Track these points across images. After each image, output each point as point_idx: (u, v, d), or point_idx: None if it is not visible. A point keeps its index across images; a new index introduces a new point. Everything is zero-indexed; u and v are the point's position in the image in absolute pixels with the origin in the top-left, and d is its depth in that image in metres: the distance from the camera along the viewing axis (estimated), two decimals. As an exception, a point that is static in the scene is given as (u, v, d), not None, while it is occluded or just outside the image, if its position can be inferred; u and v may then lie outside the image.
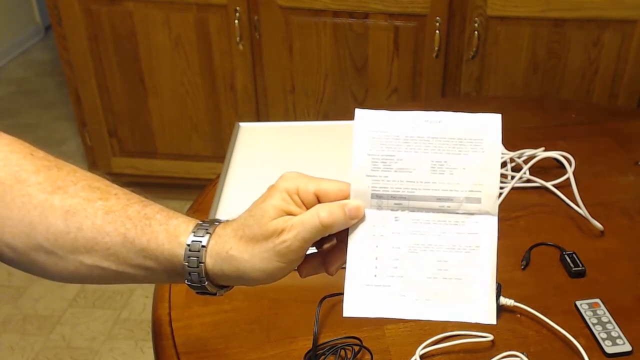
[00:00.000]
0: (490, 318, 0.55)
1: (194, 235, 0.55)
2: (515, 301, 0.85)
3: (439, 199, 0.54)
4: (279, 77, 2.02)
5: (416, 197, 0.54)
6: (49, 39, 3.79)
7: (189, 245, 0.55)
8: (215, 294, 0.59)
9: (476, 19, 1.83)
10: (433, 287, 0.54)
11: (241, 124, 1.29)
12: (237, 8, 1.92)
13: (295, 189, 0.54)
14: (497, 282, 0.87)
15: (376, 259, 0.55)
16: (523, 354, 0.79)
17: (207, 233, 0.56)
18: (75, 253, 0.56)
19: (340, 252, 0.57)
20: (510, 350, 0.80)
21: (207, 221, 0.57)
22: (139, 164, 2.27)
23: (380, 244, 0.55)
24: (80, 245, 0.56)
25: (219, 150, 2.19)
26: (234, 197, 1.07)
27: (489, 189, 0.54)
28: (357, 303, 0.55)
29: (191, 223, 0.57)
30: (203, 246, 0.55)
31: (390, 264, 0.55)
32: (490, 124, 0.54)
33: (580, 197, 1.02)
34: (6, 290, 2.01)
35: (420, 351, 0.80)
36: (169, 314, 0.88)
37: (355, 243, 0.55)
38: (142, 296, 1.99)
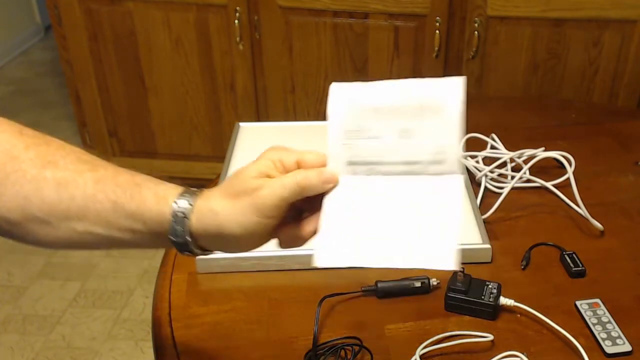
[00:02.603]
0: (450, 263, 0.55)
1: (181, 196, 0.59)
2: (515, 301, 0.85)
3: (407, 163, 0.58)
4: (279, 77, 2.02)
5: (386, 162, 0.58)
6: (49, 39, 3.79)
7: (176, 202, 0.58)
8: (196, 255, 0.61)
9: (476, 19, 1.83)
10: (401, 239, 0.57)
11: (241, 124, 1.29)
12: (237, 8, 1.92)
13: (279, 158, 0.60)
14: (497, 282, 0.87)
15: (348, 216, 0.58)
16: (523, 354, 0.79)
17: (194, 194, 0.59)
18: (67, 220, 0.59)
19: (317, 219, 0.60)
20: (510, 350, 0.80)
21: (195, 188, 0.61)
22: (139, 164, 2.27)
23: (352, 204, 0.58)
24: (73, 214, 0.58)
25: (219, 150, 2.19)
26: (234, 197, 1.07)
27: (452, 150, 0.57)
28: (327, 254, 0.58)
29: (180, 188, 0.61)
30: (190, 204, 0.58)
31: (361, 221, 0.58)
32: (451, 88, 0.56)
33: (580, 197, 1.02)
34: (6, 290, 2.01)
35: (420, 351, 0.80)
36: (169, 314, 0.88)
37: (330, 202, 0.59)
38: (142, 296, 1.99)
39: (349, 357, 0.79)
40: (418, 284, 0.89)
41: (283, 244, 0.61)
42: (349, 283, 0.92)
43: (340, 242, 0.57)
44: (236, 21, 1.93)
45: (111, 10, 1.98)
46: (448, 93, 0.56)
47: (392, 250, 0.56)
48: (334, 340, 0.82)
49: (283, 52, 1.97)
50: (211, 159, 2.21)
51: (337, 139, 0.59)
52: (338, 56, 1.95)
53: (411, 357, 0.80)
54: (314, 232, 0.60)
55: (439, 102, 0.56)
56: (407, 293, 0.89)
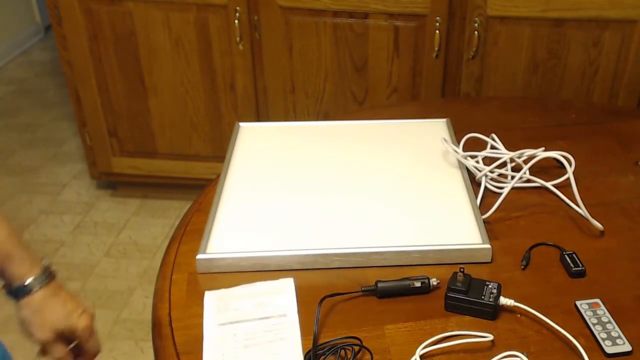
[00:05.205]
0: None
1: (35, 278, 0.84)
2: (515, 301, 0.86)
3: (261, 318, 0.86)
4: (279, 77, 2.02)
5: (247, 320, 0.86)
6: (49, 39, 3.79)
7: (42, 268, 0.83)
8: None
9: (476, 19, 1.83)
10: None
11: (241, 124, 1.29)
12: (237, 8, 1.92)
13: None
14: (497, 282, 0.87)
15: (223, 354, 0.81)
16: (523, 354, 0.79)
17: (48, 278, 0.84)
18: None
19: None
20: (510, 350, 0.80)
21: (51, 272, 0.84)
22: (139, 164, 2.27)
23: (225, 340, 0.83)
24: None
25: (219, 150, 2.19)
26: (234, 197, 1.07)
27: (292, 310, 0.87)
28: None
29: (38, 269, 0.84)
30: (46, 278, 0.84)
31: (233, 352, 0.81)
32: (286, 283, 0.91)
33: (580, 197, 1.02)
34: (6, 290, 2.01)
35: (420, 351, 0.80)
36: (169, 314, 0.88)
37: (209, 339, 0.83)
38: (142, 296, 1.99)
39: (349, 357, 0.79)
40: (418, 284, 0.89)
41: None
42: (349, 283, 0.92)
43: None
44: (236, 21, 1.93)
45: (111, 10, 1.98)
46: (284, 284, 0.91)
47: None
48: (334, 340, 0.82)
49: (283, 52, 1.97)
50: (211, 159, 2.21)
51: (212, 315, 0.87)
52: (338, 56, 1.95)
53: (411, 357, 0.80)
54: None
55: (279, 288, 0.91)
56: (407, 293, 0.89)
